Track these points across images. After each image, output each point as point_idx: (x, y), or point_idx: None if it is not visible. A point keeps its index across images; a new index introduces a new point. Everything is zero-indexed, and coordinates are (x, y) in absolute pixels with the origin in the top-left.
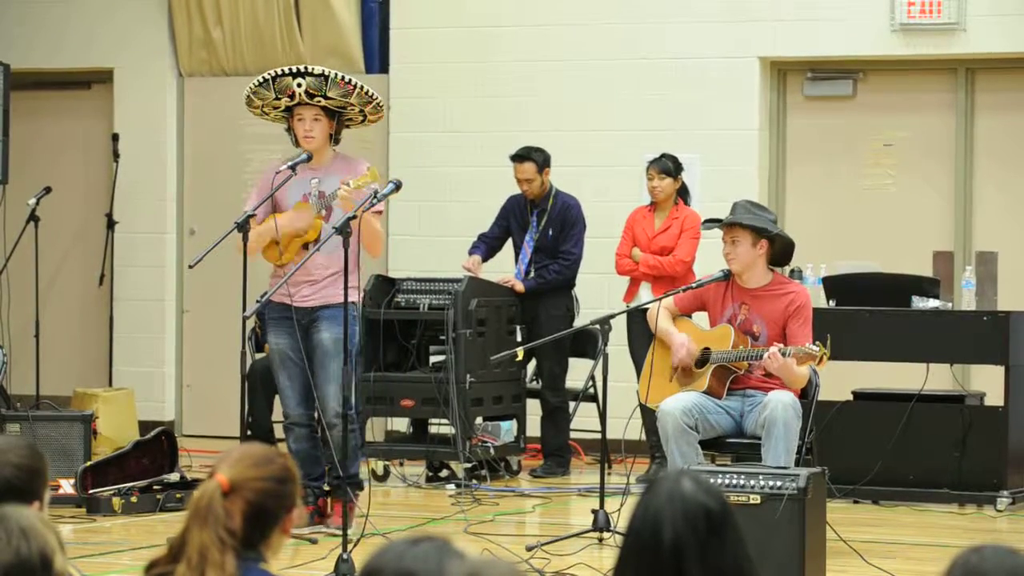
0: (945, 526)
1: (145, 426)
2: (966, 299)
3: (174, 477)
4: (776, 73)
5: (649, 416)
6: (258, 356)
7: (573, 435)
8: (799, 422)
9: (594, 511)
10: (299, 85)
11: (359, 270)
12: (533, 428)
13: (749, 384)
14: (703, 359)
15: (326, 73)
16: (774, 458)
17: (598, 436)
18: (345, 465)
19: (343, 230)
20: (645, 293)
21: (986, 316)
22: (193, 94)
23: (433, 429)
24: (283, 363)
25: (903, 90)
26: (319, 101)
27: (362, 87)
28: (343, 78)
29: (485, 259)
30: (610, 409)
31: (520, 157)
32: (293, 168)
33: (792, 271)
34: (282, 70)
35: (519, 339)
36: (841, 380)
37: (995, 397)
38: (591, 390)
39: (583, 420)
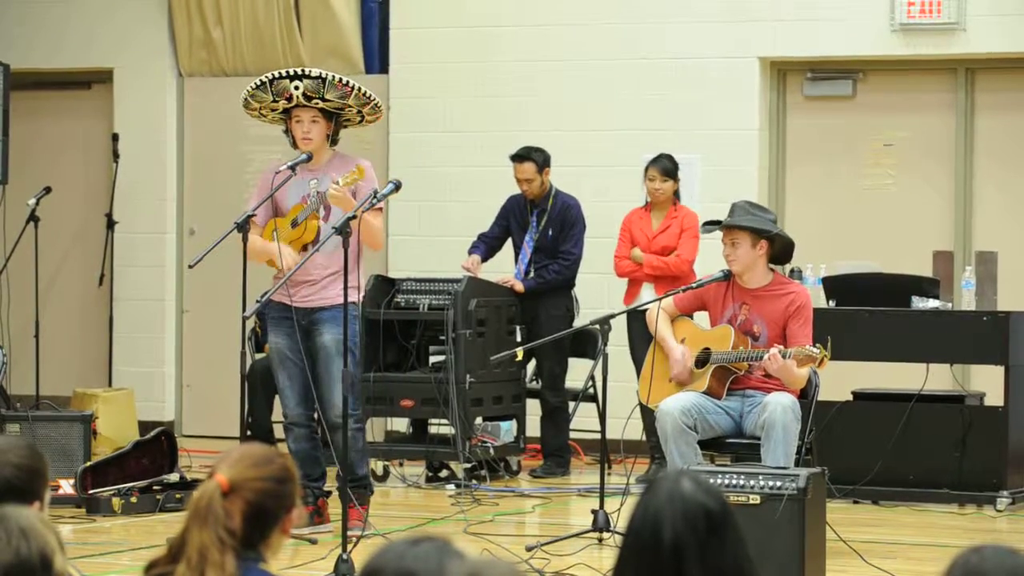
0: (945, 526)
1: (145, 426)
2: (966, 299)
3: (174, 477)
4: (776, 73)
5: (649, 416)
6: (258, 356)
7: (573, 435)
8: (798, 424)
9: (594, 511)
10: (296, 88)
11: (359, 269)
12: (533, 428)
13: (749, 385)
14: (703, 359)
15: (323, 75)
16: (773, 461)
17: (598, 436)
18: (353, 467)
19: (342, 230)
20: (647, 293)
21: (986, 316)
22: (193, 94)
23: (433, 429)
24: (282, 363)
25: (903, 90)
26: (317, 103)
27: (360, 88)
28: (340, 80)
29: (485, 259)
30: (610, 409)
31: (520, 157)
32: (293, 168)
33: (792, 271)
34: (279, 73)
35: (519, 339)
36: (841, 380)
37: (995, 397)
38: (591, 390)
39: (583, 420)
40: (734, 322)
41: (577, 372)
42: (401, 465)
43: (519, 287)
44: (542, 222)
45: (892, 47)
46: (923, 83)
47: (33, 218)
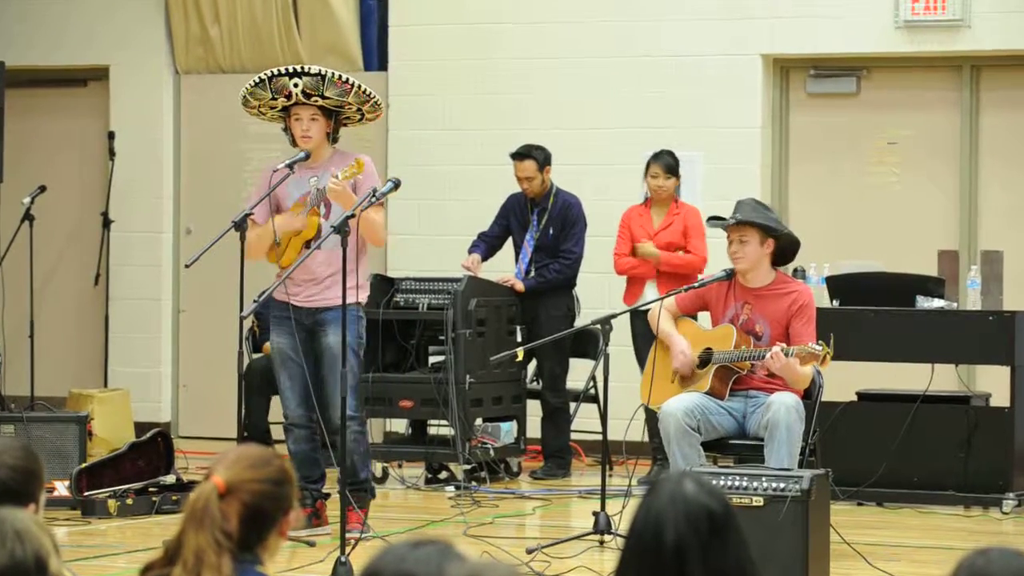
0: (950, 528)
1: (141, 427)
2: (971, 299)
3: (170, 479)
4: (779, 70)
5: (653, 418)
6: (255, 356)
7: (574, 436)
8: (802, 425)
9: (595, 513)
10: (296, 85)
11: (362, 267)
12: (533, 429)
13: (752, 385)
14: (705, 359)
15: (323, 73)
16: (776, 462)
17: (599, 437)
18: (355, 470)
19: (340, 229)
20: (651, 292)
21: (991, 316)
22: (190, 92)
23: (432, 430)
24: (284, 363)
25: (907, 87)
26: (316, 101)
27: (359, 86)
28: (340, 77)
29: (485, 258)
30: (611, 410)
31: (520, 155)
32: (291, 166)
33: (795, 270)
34: (278, 70)
35: (519, 339)
36: (845, 381)
37: (1001, 398)
38: (592, 391)
39: (584, 421)
40: (736, 322)
41: (578, 372)
42: (400, 467)
43: (519, 286)
44: (543, 221)
45: (896, 44)
46: (928, 80)
47: (28, 217)
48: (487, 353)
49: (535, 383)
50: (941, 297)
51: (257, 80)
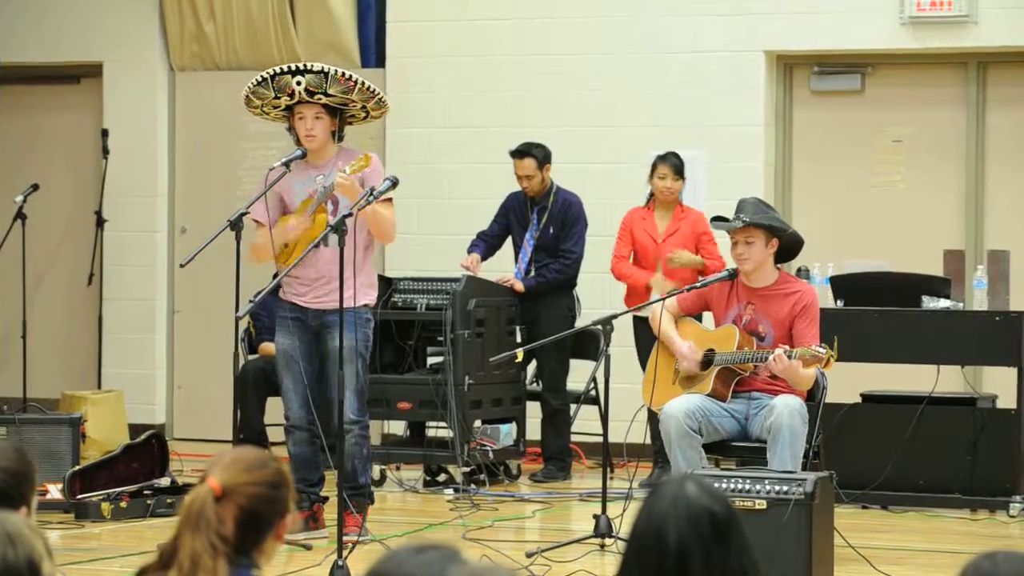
0: (956, 532)
1: (135, 429)
2: (978, 299)
3: (165, 482)
4: (782, 67)
5: (655, 419)
6: (251, 357)
7: (574, 438)
8: (805, 428)
9: (596, 516)
10: (299, 83)
11: (367, 268)
12: (533, 431)
13: (754, 386)
14: (707, 361)
15: (326, 70)
16: (779, 465)
17: (600, 439)
18: (355, 474)
19: (338, 228)
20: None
21: (998, 316)
22: (185, 89)
23: (431, 432)
24: (287, 364)
25: (912, 85)
26: (320, 99)
27: (363, 83)
28: (343, 74)
29: (484, 258)
30: (612, 412)
31: (520, 153)
32: (287, 165)
33: (799, 270)
34: (281, 68)
35: (519, 340)
36: (849, 382)
37: (1008, 400)
38: (593, 392)
39: (584, 423)
40: (739, 322)
41: (579, 374)
42: (398, 469)
43: (519, 286)
44: (543, 220)
45: (901, 40)
46: (933, 77)
47: (20, 216)
48: (486, 354)
49: (535, 384)
50: (947, 297)
51: (259, 79)
